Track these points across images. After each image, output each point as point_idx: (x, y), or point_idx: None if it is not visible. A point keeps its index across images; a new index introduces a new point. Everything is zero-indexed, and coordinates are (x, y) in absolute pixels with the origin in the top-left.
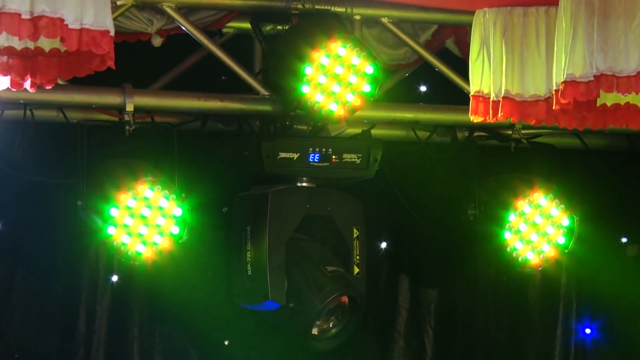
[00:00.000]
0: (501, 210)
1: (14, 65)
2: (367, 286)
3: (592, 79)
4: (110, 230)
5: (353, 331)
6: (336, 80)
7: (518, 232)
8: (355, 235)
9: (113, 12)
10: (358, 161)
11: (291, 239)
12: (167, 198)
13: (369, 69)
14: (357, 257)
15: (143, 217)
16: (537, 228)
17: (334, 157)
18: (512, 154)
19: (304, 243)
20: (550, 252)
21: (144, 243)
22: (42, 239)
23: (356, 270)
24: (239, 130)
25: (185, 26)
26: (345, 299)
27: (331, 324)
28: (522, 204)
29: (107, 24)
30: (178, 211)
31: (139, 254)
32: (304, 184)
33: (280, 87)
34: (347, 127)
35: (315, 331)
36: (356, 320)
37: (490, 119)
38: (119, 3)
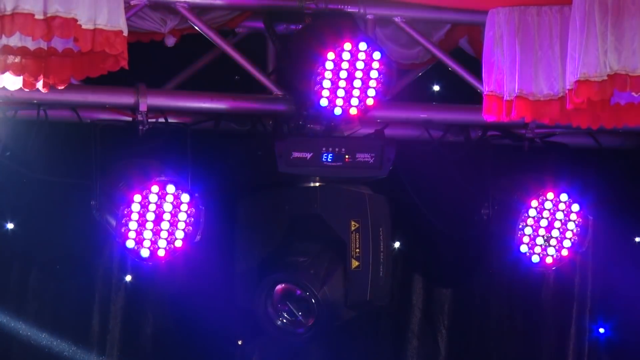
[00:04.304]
0: (515, 209)
1: (27, 65)
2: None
3: (605, 78)
4: (124, 230)
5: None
6: (349, 79)
7: (531, 231)
8: (353, 228)
9: (126, 12)
10: (371, 161)
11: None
12: (180, 198)
13: (382, 69)
14: (357, 250)
15: (156, 217)
16: (550, 227)
17: (347, 156)
18: (525, 153)
19: (289, 247)
20: (564, 251)
21: (158, 243)
22: (56, 238)
23: (355, 264)
24: (253, 130)
25: (199, 26)
26: (291, 287)
27: (287, 315)
28: (535, 204)
29: (121, 23)
30: (191, 211)
31: (152, 254)
32: (316, 184)
33: (293, 87)
34: (360, 127)
35: (279, 322)
36: (312, 315)
37: (504, 118)
38: (132, 3)
